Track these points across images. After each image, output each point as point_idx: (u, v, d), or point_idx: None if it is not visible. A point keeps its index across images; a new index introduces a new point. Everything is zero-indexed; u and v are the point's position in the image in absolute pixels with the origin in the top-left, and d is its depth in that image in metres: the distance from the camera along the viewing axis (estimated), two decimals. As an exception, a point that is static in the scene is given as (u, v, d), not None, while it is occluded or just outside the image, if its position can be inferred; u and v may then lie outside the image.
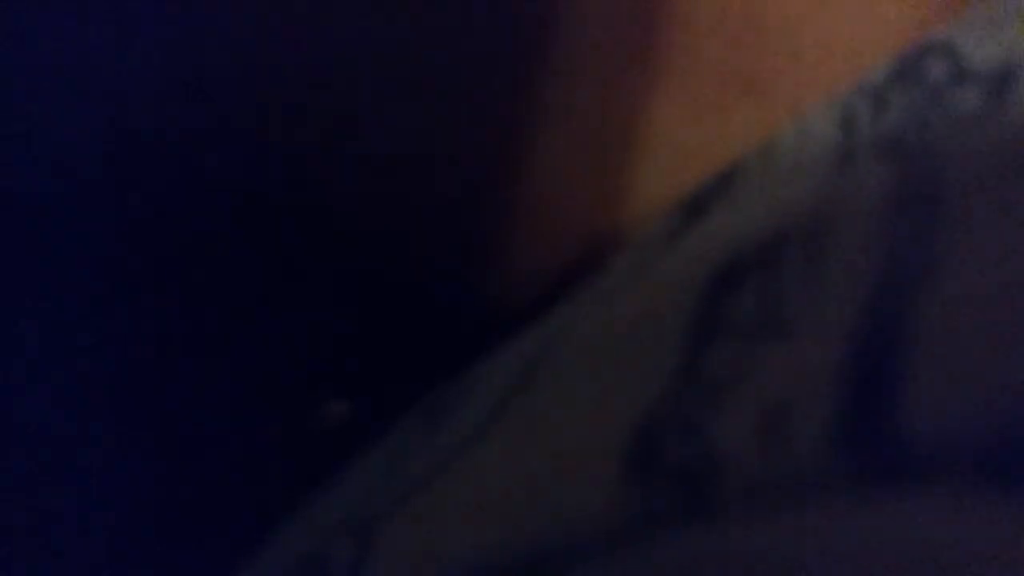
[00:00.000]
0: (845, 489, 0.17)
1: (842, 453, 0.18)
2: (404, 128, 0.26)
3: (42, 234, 0.29)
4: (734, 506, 0.18)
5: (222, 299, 0.29)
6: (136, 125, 0.27)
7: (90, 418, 0.30)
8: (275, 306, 0.29)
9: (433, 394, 0.27)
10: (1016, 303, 0.18)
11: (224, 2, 0.26)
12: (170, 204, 0.28)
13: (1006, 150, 0.20)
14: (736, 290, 0.21)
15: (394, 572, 0.23)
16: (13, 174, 0.28)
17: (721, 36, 0.26)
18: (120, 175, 0.28)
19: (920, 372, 0.18)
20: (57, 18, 0.26)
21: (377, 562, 0.23)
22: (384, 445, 0.27)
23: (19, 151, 0.28)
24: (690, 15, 0.26)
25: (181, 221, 0.28)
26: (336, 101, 0.26)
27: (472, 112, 0.26)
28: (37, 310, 0.29)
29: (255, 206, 0.28)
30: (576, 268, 0.26)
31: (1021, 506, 0.17)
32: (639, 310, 0.23)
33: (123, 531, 0.30)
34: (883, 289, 0.19)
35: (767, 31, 0.26)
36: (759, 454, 0.18)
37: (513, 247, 0.27)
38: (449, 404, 0.26)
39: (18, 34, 0.26)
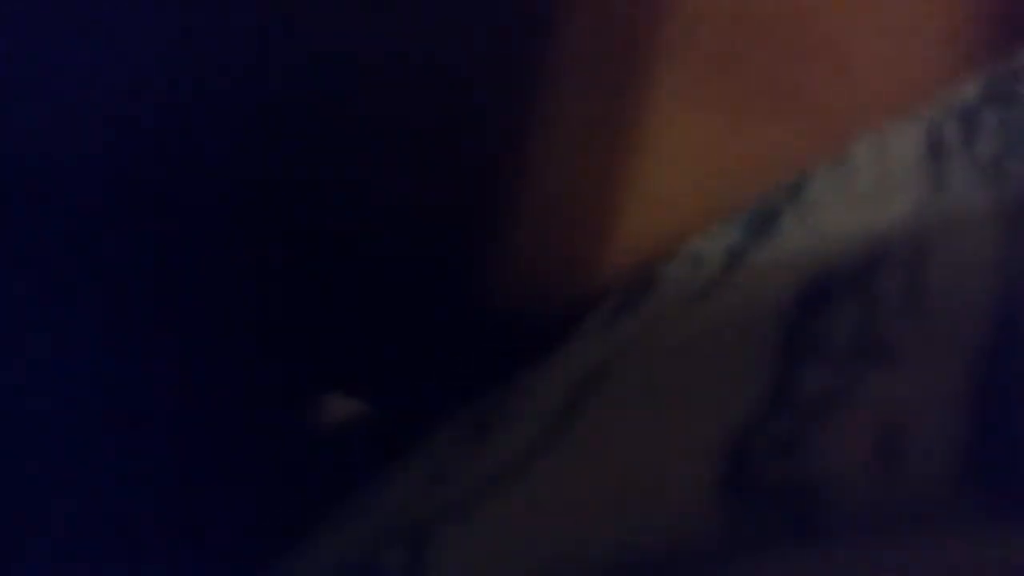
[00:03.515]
0: (971, 521, 0.17)
1: (970, 484, 0.17)
2: (425, 126, 0.26)
3: (42, 232, 0.28)
4: (840, 529, 0.18)
5: (228, 297, 0.29)
6: (136, 122, 0.27)
7: (93, 419, 0.30)
8: (282, 305, 0.29)
9: (478, 401, 0.26)
10: None
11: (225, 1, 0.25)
12: (172, 201, 0.27)
13: None
14: (829, 311, 0.21)
15: None
16: (13, 173, 0.27)
17: (767, 47, 0.26)
18: (120, 172, 0.27)
19: None
20: (56, 15, 0.26)
21: (434, 569, 0.23)
22: (425, 453, 0.26)
23: (18, 149, 0.27)
24: (735, 24, 0.26)
25: (183, 219, 0.27)
26: (338, 105, 0.26)
27: (495, 123, 0.26)
28: (37, 308, 0.29)
29: (262, 204, 0.27)
30: (610, 281, 0.26)
31: None
32: (716, 325, 0.22)
33: (127, 535, 0.30)
34: (1004, 315, 0.19)
35: (814, 44, 0.26)
36: (870, 478, 0.18)
37: (544, 261, 0.26)
38: (502, 412, 0.25)
39: (18, 31, 0.26)
